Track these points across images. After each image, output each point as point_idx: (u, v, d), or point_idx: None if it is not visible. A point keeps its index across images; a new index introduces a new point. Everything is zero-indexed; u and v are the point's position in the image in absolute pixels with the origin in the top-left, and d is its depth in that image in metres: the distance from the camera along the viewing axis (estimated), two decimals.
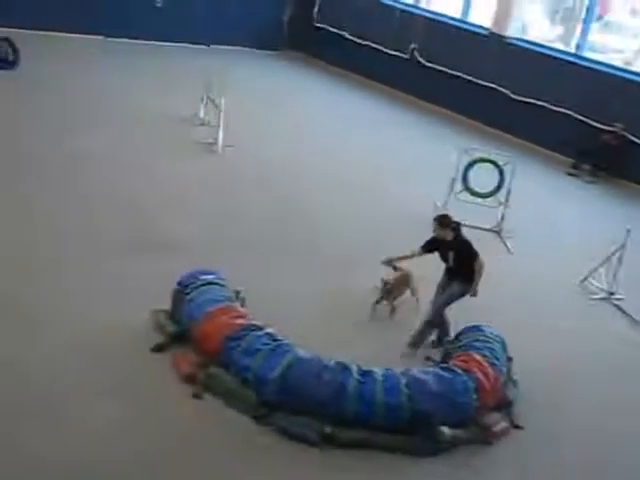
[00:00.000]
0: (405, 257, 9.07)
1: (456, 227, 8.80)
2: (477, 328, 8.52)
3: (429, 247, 8.89)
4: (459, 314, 9.55)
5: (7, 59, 16.21)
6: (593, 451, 7.86)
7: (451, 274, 8.92)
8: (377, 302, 9.43)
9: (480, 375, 7.66)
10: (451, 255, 8.81)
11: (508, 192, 12.90)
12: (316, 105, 18.91)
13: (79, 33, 19.71)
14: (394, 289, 9.46)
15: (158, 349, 7.94)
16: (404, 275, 9.55)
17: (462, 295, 8.88)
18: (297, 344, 7.65)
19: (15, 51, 16.26)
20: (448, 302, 8.95)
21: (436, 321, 8.97)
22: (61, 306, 8.48)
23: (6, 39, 16.24)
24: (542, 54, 18.91)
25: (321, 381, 7.20)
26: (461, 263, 8.79)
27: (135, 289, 8.93)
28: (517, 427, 7.83)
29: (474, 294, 8.83)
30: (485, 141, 16.87)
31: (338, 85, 21.19)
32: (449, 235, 8.75)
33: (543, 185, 16.31)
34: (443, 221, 8.78)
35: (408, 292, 9.73)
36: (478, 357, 7.89)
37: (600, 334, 10.44)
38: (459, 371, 7.66)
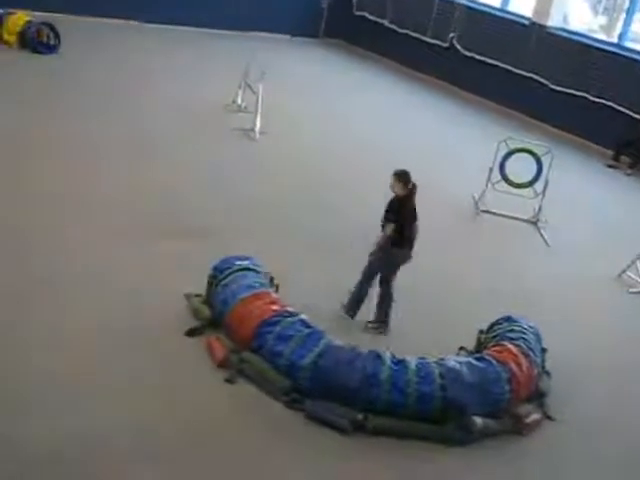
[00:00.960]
0: (384, 237, 8.60)
1: (412, 188, 8.53)
2: (512, 319, 8.46)
3: (390, 211, 8.54)
4: (493, 303, 9.54)
5: (49, 43, 16.41)
6: (626, 445, 7.79)
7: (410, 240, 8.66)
8: None
9: (513, 366, 7.61)
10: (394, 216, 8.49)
11: (546, 183, 12.79)
12: (354, 93, 18.86)
13: (117, 18, 19.85)
14: None
15: (192, 333, 7.98)
16: None
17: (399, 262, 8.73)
18: (330, 332, 7.66)
19: (57, 35, 16.43)
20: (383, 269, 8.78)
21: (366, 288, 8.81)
22: (95, 287, 8.55)
23: (48, 24, 16.41)
24: (583, 44, 18.71)
25: (353, 368, 7.20)
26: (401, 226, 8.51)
27: (170, 273, 8.99)
28: (550, 418, 7.79)
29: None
30: (524, 131, 16.74)
31: (376, 73, 21.13)
32: (403, 191, 8.48)
33: (582, 176, 16.18)
34: (402, 176, 8.50)
35: None
36: (512, 348, 7.85)
37: (636, 327, 10.34)
38: (493, 361, 7.62)
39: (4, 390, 6.73)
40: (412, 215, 8.64)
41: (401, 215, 8.52)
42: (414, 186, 8.55)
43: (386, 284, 8.85)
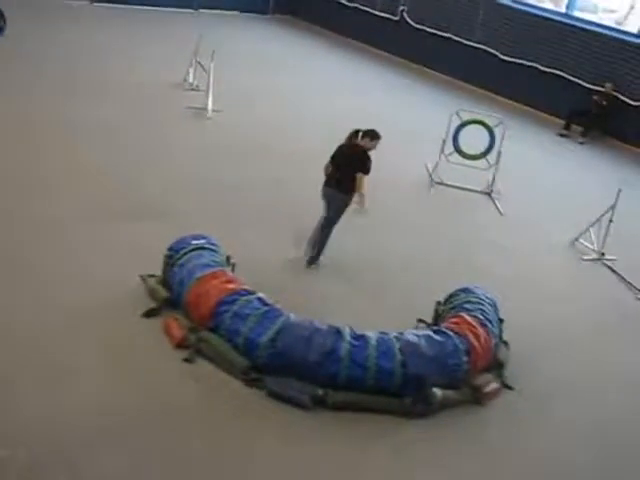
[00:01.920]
0: (326, 174, 9.47)
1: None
2: (468, 290, 8.52)
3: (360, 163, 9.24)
4: (450, 275, 9.60)
5: None
6: (582, 411, 7.89)
7: (335, 184, 9.33)
8: None
9: (471, 337, 7.67)
10: (350, 163, 9.23)
11: (499, 154, 12.87)
12: (304, 68, 18.81)
13: None
14: None
15: (149, 314, 7.93)
16: None
17: (346, 206, 9.42)
18: (287, 308, 7.66)
19: (2, 16, 16.12)
20: (340, 215, 9.51)
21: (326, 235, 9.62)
22: (55, 268, 8.47)
23: None
24: (532, 14, 18.83)
25: (312, 344, 7.20)
26: (350, 174, 9.20)
27: (125, 255, 8.91)
28: (508, 387, 7.86)
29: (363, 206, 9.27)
30: (476, 103, 16.83)
31: (327, 48, 21.08)
32: (369, 145, 9.31)
33: (534, 146, 16.29)
34: (376, 134, 9.34)
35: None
36: (469, 319, 7.90)
37: (591, 295, 10.46)
38: (450, 333, 7.67)
39: None
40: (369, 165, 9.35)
41: (367, 166, 9.20)
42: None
43: (331, 227, 9.60)
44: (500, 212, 12.36)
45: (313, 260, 9.62)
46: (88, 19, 18.85)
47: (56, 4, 19.12)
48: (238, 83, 15.91)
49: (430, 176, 12.82)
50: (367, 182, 9.20)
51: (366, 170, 9.19)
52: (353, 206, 9.41)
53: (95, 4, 19.96)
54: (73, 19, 18.55)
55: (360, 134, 9.32)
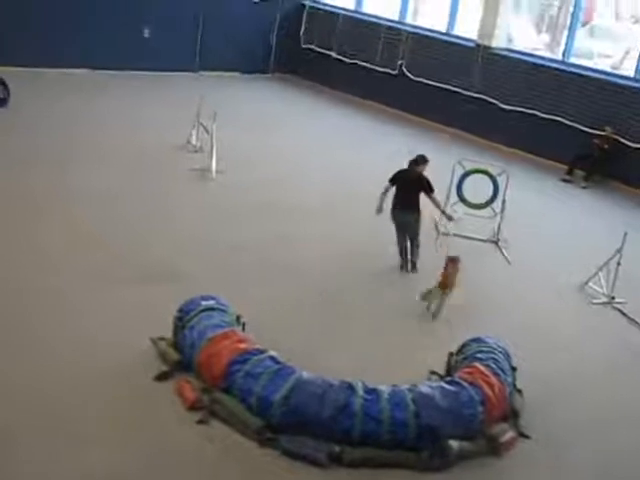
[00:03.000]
0: (383, 196, 11.17)
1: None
2: (480, 339, 8.50)
3: (393, 180, 11.19)
4: (461, 324, 9.59)
5: None
6: (601, 457, 7.82)
7: (407, 205, 11.16)
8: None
9: (485, 386, 7.64)
10: (414, 187, 11.11)
11: (503, 202, 12.91)
12: (305, 126, 18.96)
13: (67, 67, 19.80)
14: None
15: (161, 377, 7.92)
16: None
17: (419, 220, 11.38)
18: (300, 367, 7.64)
19: (6, 88, 16.34)
20: (419, 228, 11.41)
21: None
22: (63, 334, 8.47)
23: None
24: (529, 63, 19.03)
25: (325, 400, 7.18)
26: (414, 195, 11.16)
27: (136, 318, 8.92)
28: (524, 436, 7.80)
29: (450, 218, 11.79)
30: (478, 152, 16.92)
31: (327, 105, 21.27)
32: (421, 169, 11.22)
33: (538, 193, 16.35)
34: (424, 159, 11.33)
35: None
36: (482, 368, 7.88)
37: (602, 338, 10.44)
38: (464, 384, 7.64)
39: None
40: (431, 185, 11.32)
41: (431, 186, 11.16)
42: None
43: (418, 238, 11.52)
44: (508, 261, 12.36)
45: (414, 265, 11.42)
46: (90, 86, 19.05)
47: (57, 74, 19.34)
48: (240, 143, 16.05)
49: (436, 226, 12.84)
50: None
51: (432, 189, 11.09)
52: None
53: (96, 71, 20.21)
54: (75, 87, 18.75)
55: (417, 161, 11.22)
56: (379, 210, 11.18)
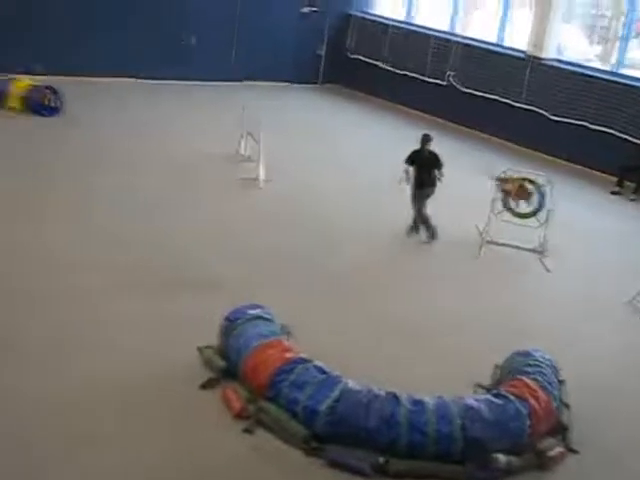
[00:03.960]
0: (405, 175, 12.35)
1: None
2: (527, 353, 8.41)
3: (410, 159, 12.38)
4: (507, 337, 9.51)
5: (51, 106, 16.63)
6: None
7: (423, 182, 12.39)
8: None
9: (532, 400, 7.57)
10: (430, 164, 12.29)
11: (549, 212, 12.78)
12: (354, 136, 18.96)
13: (114, 76, 20.02)
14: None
15: (208, 385, 7.96)
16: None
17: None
18: (346, 375, 7.64)
19: (58, 97, 16.66)
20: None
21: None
22: (111, 343, 8.56)
23: (50, 87, 16.69)
24: (580, 74, 18.84)
25: (371, 411, 7.17)
26: (434, 171, 12.34)
27: (183, 326, 8.99)
28: (573, 451, 7.70)
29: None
30: (527, 163, 16.74)
31: (375, 115, 21.25)
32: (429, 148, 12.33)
33: (587, 204, 16.19)
34: (429, 137, 12.45)
35: None
36: (529, 382, 7.80)
37: None
38: (511, 397, 7.58)
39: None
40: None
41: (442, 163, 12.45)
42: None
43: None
44: (547, 269, 12.25)
45: (433, 233, 12.55)
46: (138, 95, 19.28)
47: (104, 83, 19.57)
48: (289, 152, 16.12)
49: (481, 234, 12.75)
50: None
51: (442, 166, 12.37)
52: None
53: (145, 81, 20.40)
54: (123, 96, 18.98)
55: (427, 139, 12.37)
56: (403, 181, 12.37)
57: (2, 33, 18.57)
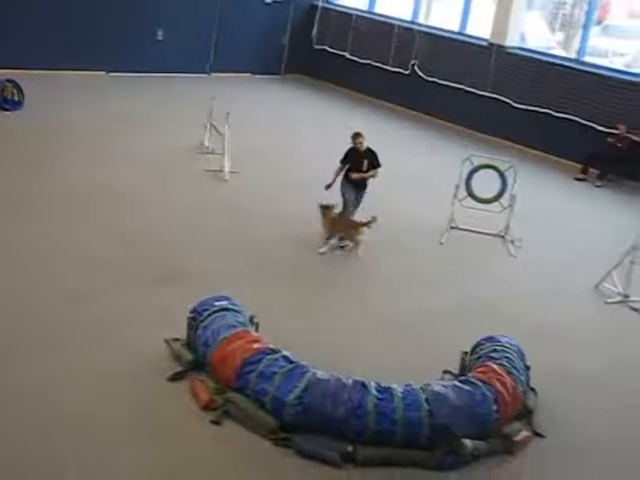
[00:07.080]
0: (335, 176, 11.81)
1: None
2: (493, 338, 8.49)
3: (345, 159, 11.81)
4: (474, 324, 9.57)
5: (13, 99, 16.39)
6: (614, 459, 7.78)
7: (358, 182, 11.78)
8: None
9: (499, 385, 7.63)
10: (365, 162, 11.72)
11: (512, 197, 12.89)
12: (317, 126, 18.96)
13: (81, 70, 19.81)
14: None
15: (175, 378, 7.94)
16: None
17: None
18: (314, 365, 7.65)
19: (20, 91, 16.44)
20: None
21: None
22: (76, 335, 8.51)
23: (11, 81, 16.41)
24: (543, 61, 18.98)
25: (339, 400, 7.19)
26: (368, 169, 11.74)
27: (148, 319, 8.96)
28: (538, 435, 7.79)
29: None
30: (492, 151, 16.85)
31: (340, 105, 21.25)
32: (364, 145, 11.72)
33: (551, 190, 16.34)
34: (360, 134, 11.78)
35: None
36: (496, 367, 7.87)
37: (617, 337, 10.41)
38: (478, 383, 7.63)
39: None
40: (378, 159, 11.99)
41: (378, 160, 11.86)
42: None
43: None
44: (512, 255, 12.36)
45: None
46: (104, 89, 19.11)
47: (71, 76, 19.38)
48: (253, 144, 16.07)
49: (450, 222, 12.85)
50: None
51: (379, 164, 11.81)
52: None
53: (110, 74, 20.27)
54: (89, 90, 18.80)
55: (358, 136, 11.73)
56: (329, 187, 11.81)
57: None
